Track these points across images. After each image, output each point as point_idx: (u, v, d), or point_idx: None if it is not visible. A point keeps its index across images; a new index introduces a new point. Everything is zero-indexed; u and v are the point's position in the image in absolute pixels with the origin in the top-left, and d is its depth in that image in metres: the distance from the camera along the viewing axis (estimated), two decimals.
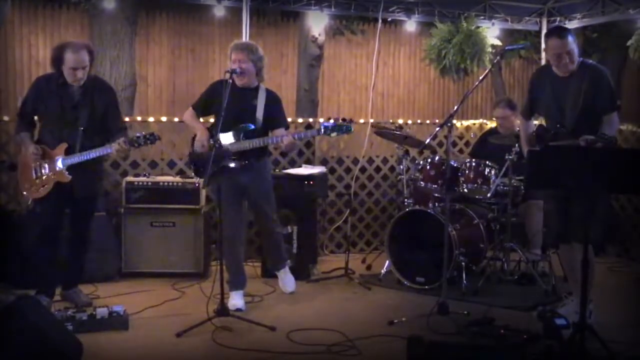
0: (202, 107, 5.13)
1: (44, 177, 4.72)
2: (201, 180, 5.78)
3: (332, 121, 4.78)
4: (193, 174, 5.29)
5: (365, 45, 11.51)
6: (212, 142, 4.67)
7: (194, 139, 5.06)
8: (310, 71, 9.28)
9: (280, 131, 5.04)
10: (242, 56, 4.90)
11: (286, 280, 5.49)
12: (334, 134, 4.83)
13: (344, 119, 4.80)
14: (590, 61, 4.59)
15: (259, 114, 4.97)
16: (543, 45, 8.31)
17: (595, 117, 4.41)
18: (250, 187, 5.06)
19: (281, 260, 5.50)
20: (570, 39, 4.38)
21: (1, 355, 3.55)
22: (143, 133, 4.68)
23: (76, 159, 4.66)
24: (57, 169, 4.68)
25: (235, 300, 4.96)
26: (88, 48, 4.70)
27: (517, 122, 6.00)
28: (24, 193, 4.85)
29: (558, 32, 4.44)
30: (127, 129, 5.01)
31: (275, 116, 5.07)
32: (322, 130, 4.79)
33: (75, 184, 4.71)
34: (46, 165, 4.72)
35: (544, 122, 4.82)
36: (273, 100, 5.09)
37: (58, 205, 4.79)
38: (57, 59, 4.63)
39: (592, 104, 4.38)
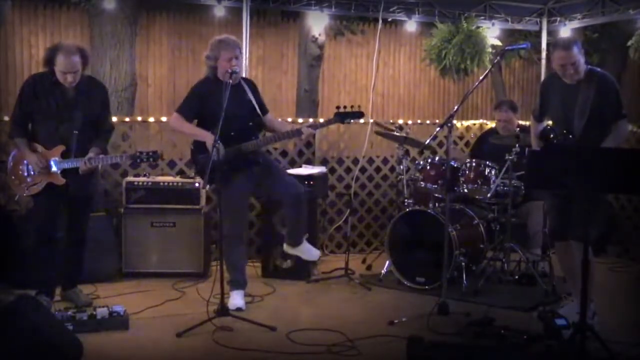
0: (195, 111, 4.95)
1: (35, 176, 4.72)
2: (201, 180, 5.79)
3: (343, 109, 4.94)
4: (205, 182, 5.01)
5: (366, 45, 11.52)
6: (216, 144, 4.54)
7: (195, 145, 4.96)
8: (310, 71, 9.29)
9: (271, 117, 5.15)
10: (237, 53, 4.89)
11: (309, 247, 5.20)
12: (347, 120, 4.99)
13: (352, 107, 4.94)
14: (598, 69, 4.59)
15: (258, 109, 5.02)
16: (543, 46, 8.35)
17: (603, 125, 4.42)
18: (266, 169, 5.02)
19: (303, 232, 5.20)
20: (575, 50, 4.39)
21: (1, 355, 3.55)
22: (146, 151, 4.78)
23: (71, 163, 4.66)
24: (51, 171, 4.68)
25: (236, 299, 4.95)
26: (81, 52, 4.64)
27: (517, 123, 6.02)
28: (12, 190, 4.88)
29: (563, 44, 4.46)
30: (112, 131, 5.01)
31: (261, 103, 5.12)
32: (337, 118, 4.95)
33: (70, 184, 4.72)
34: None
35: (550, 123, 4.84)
36: (255, 88, 5.14)
37: (55, 205, 4.79)
38: (49, 61, 4.62)
39: (599, 113, 4.40)
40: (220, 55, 4.86)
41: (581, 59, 4.43)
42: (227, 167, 4.77)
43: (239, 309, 4.85)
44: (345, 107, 4.95)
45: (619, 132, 4.46)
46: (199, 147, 4.91)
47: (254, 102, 5.00)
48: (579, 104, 4.43)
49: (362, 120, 6.55)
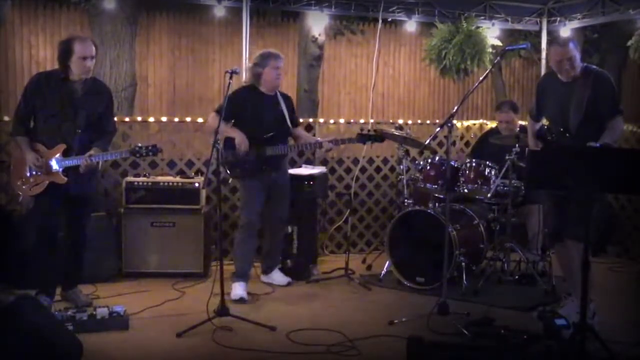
0: (229, 114, 5.18)
1: (37, 176, 4.71)
2: (201, 180, 5.82)
3: (366, 131, 5.44)
4: (227, 172, 5.38)
5: (366, 45, 11.52)
6: (217, 142, 4.66)
7: (225, 142, 5.23)
8: (310, 71, 9.29)
9: (300, 130, 5.61)
10: (281, 64, 5.36)
11: (278, 275, 5.67)
12: (369, 142, 5.41)
13: (375, 130, 5.50)
14: (594, 67, 4.62)
15: (288, 120, 5.42)
16: (543, 45, 8.35)
17: (599, 122, 4.43)
18: (279, 186, 5.46)
19: (278, 258, 5.75)
20: (570, 46, 4.44)
21: (1, 355, 3.55)
22: (145, 145, 4.86)
23: (73, 161, 4.67)
24: (53, 169, 4.68)
25: (238, 290, 5.11)
26: (93, 40, 4.85)
27: (519, 123, 6.02)
28: (15, 190, 4.88)
29: (558, 40, 4.57)
30: (114, 133, 5.07)
31: (293, 116, 5.55)
32: (359, 138, 5.33)
33: (71, 183, 4.72)
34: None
35: (547, 123, 4.85)
36: (290, 102, 5.57)
37: (56, 205, 4.78)
38: (66, 52, 4.67)
39: (595, 110, 4.41)
40: (268, 63, 5.32)
41: (577, 55, 4.46)
42: (249, 164, 5.20)
43: (242, 299, 5.01)
44: (369, 130, 5.52)
45: (615, 128, 4.47)
46: (225, 143, 5.23)
47: (285, 113, 5.40)
48: (575, 101, 4.44)
49: (362, 120, 6.60)
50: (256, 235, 5.43)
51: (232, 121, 5.26)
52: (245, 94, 5.36)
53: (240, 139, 5.17)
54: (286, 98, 5.52)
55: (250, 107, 5.26)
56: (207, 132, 5.46)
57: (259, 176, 5.29)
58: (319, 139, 5.69)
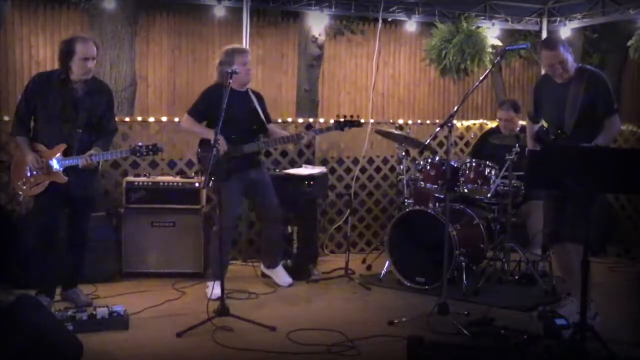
0: (202, 113, 5.27)
1: (37, 176, 4.72)
2: (201, 180, 5.81)
3: (343, 117, 5.44)
4: (206, 179, 5.25)
5: (366, 45, 11.52)
6: (217, 144, 4.67)
7: (200, 144, 5.30)
8: (310, 71, 9.28)
9: (273, 127, 5.59)
10: (248, 59, 5.28)
11: (283, 273, 5.65)
12: (346, 128, 5.45)
13: (351, 116, 5.45)
14: (588, 67, 4.64)
15: (262, 116, 5.40)
16: None
17: (594, 122, 4.43)
18: (259, 181, 5.43)
19: (280, 254, 5.71)
20: (561, 49, 4.43)
21: (1, 355, 3.55)
22: (146, 144, 4.87)
23: (73, 161, 4.67)
24: (53, 169, 4.68)
25: (217, 289, 4.93)
26: (94, 41, 4.85)
27: (519, 123, 6.02)
28: (16, 190, 4.88)
29: (548, 44, 4.53)
30: (115, 132, 5.08)
31: (266, 113, 5.50)
32: (336, 126, 5.42)
33: (71, 184, 4.72)
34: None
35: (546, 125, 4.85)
36: (261, 99, 5.52)
37: (56, 205, 4.79)
38: (67, 52, 4.68)
39: (590, 109, 4.42)
40: (235, 60, 5.19)
41: (569, 58, 4.46)
42: (227, 164, 5.05)
43: (219, 299, 4.88)
44: (345, 116, 5.44)
45: (612, 127, 4.47)
46: (203, 145, 5.26)
47: (259, 110, 5.37)
48: (570, 101, 4.45)
49: (362, 120, 6.63)
50: (231, 237, 5.56)
51: (206, 122, 5.27)
52: (215, 93, 5.15)
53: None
54: (257, 95, 5.48)
55: (217, 104, 4.91)
56: (183, 132, 5.64)
57: (238, 176, 5.22)
58: (294, 133, 5.66)
